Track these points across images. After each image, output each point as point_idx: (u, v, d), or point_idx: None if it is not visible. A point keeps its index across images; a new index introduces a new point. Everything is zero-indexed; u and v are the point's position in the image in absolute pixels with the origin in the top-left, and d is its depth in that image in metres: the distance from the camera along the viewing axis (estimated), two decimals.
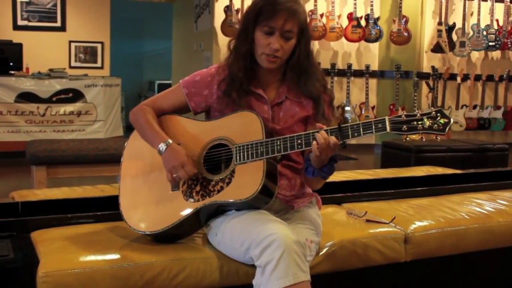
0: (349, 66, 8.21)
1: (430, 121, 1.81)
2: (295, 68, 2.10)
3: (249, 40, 2.06)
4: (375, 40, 8.25)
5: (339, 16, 8.05)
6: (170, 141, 2.04)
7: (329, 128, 1.88)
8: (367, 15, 8.17)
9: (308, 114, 2.14)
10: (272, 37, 2.01)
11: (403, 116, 1.83)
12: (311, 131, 1.91)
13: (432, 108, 1.87)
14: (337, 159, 1.96)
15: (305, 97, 2.13)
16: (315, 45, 8.14)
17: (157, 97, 2.24)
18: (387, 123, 1.81)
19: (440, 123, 1.81)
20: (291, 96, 2.13)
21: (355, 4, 8.06)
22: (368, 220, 2.47)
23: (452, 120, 1.83)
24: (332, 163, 1.95)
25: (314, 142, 1.87)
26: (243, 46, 2.08)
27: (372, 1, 8.14)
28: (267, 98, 2.11)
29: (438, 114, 1.82)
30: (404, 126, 1.82)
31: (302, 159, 2.15)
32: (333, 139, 1.86)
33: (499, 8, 8.54)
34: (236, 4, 7.65)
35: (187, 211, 1.98)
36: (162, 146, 2.03)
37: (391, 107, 8.24)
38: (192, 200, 1.99)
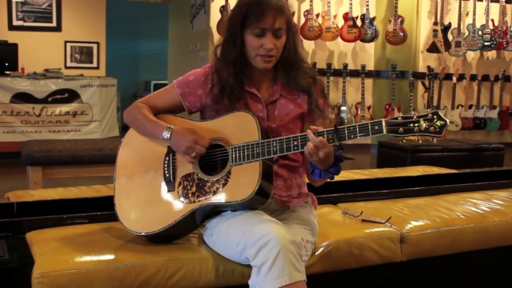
0: (345, 66, 8.22)
1: (427, 123, 1.81)
2: (285, 63, 2.11)
3: (238, 45, 2.05)
4: (371, 40, 8.26)
5: (334, 16, 8.05)
6: (172, 126, 2.04)
7: (325, 129, 1.88)
8: (363, 15, 8.17)
9: (303, 111, 2.14)
10: (264, 38, 2.01)
11: (400, 118, 1.82)
12: (307, 133, 1.90)
13: (429, 109, 1.86)
14: (343, 158, 1.95)
15: (298, 92, 2.13)
16: (311, 45, 8.14)
17: (151, 96, 2.24)
18: (383, 126, 1.81)
19: (437, 125, 1.80)
20: (285, 93, 2.14)
21: (350, 4, 8.06)
22: (364, 220, 2.47)
23: (448, 122, 1.83)
24: (338, 162, 1.95)
25: (305, 147, 1.87)
26: (232, 52, 2.07)
27: (367, 1, 8.15)
28: (261, 97, 2.11)
29: (435, 116, 1.81)
30: (401, 128, 1.81)
31: (299, 157, 2.15)
32: (314, 142, 1.85)
33: (495, 8, 8.56)
34: (232, 4, 7.65)
35: (183, 212, 1.97)
36: (166, 133, 2.03)
37: (387, 107, 8.25)
38: (187, 201, 1.99)
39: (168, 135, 2.03)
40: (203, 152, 1.99)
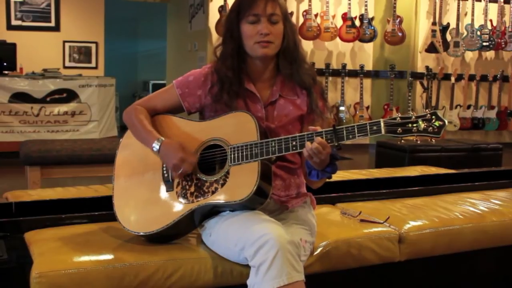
0: (344, 66, 8.22)
1: (425, 124, 1.81)
2: (286, 55, 2.11)
3: (235, 37, 2.08)
4: (370, 40, 8.27)
5: (333, 16, 8.05)
6: (162, 138, 2.04)
7: (324, 130, 1.88)
8: (362, 15, 8.18)
9: (302, 113, 2.14)
10: (259, 24, 2.03)
11: (398, 118, 1.82)
12: (306, 133, 1.91)
13: (427, 110, 1.86)
14: (339, 157, 1.95)
15: (298, 90, 2.14)
16: (310, 45, 8.14)
17: (151, 97, 2.24)
18: (382, 126, 1.81)
19: (435, 125, 1.80)
20: (284, 94, 2.13)
21: (349, 4, 8.07)
22: (362, 220, 2.47)
23: (446, 123, 1.83)
24: (334, 161, 1.95)
25: (304, 148, 1.87)
26: (229, 46, 2.10)
27: (366, 1, 8.15)
28: (260, 97, 2.11)
29: (433, 117, 1.81)
30: (399, 129, 1.81)
31: (297, 159, 2.16)
32: (315, 145, 1.85)
33: (493, 8, 8.56)
34: (231, 4, 7.64)
35: (182, 212, 1.97)
36: (155, 145, 2.04)
37: (386, 107, 8.26)
38: (186, 201, 1.99)
39: (157, 148, 2.03)
40: (190, 171, 2.00)
